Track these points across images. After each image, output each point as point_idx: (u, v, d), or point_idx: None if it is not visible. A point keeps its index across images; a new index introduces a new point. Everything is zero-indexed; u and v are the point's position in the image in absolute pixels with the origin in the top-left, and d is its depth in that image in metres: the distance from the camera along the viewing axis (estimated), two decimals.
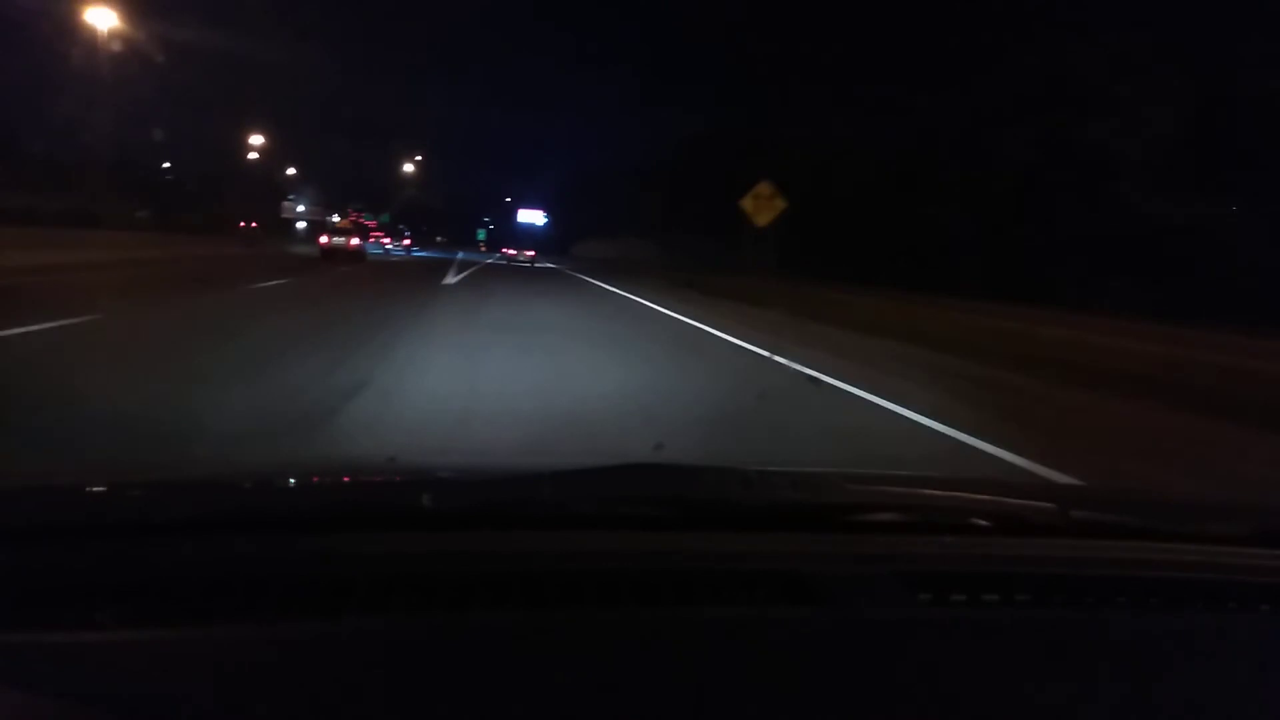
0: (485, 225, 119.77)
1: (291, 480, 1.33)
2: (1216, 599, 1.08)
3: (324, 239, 37.65)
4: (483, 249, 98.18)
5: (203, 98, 48.70)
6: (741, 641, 0.89)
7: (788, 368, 8.68)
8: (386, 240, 68.38)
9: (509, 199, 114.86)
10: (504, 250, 66.30)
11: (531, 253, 58.88)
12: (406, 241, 71.78)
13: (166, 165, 49.32)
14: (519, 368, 7.54)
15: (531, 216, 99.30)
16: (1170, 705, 0.86)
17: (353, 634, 0.85)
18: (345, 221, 43.46)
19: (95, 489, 1.23)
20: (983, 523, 1.20)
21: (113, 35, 27.63)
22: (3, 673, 0.76)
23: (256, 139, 52.67)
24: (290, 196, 69.70)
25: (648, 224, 58.10)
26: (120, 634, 0.84)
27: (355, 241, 36.87)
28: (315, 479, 1.37)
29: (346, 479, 1.41)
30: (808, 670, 0.85)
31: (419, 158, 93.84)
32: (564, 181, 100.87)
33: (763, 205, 20.26)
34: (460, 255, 57.06)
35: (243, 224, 43.53)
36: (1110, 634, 0.97)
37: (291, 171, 68.46)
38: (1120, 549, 1.16)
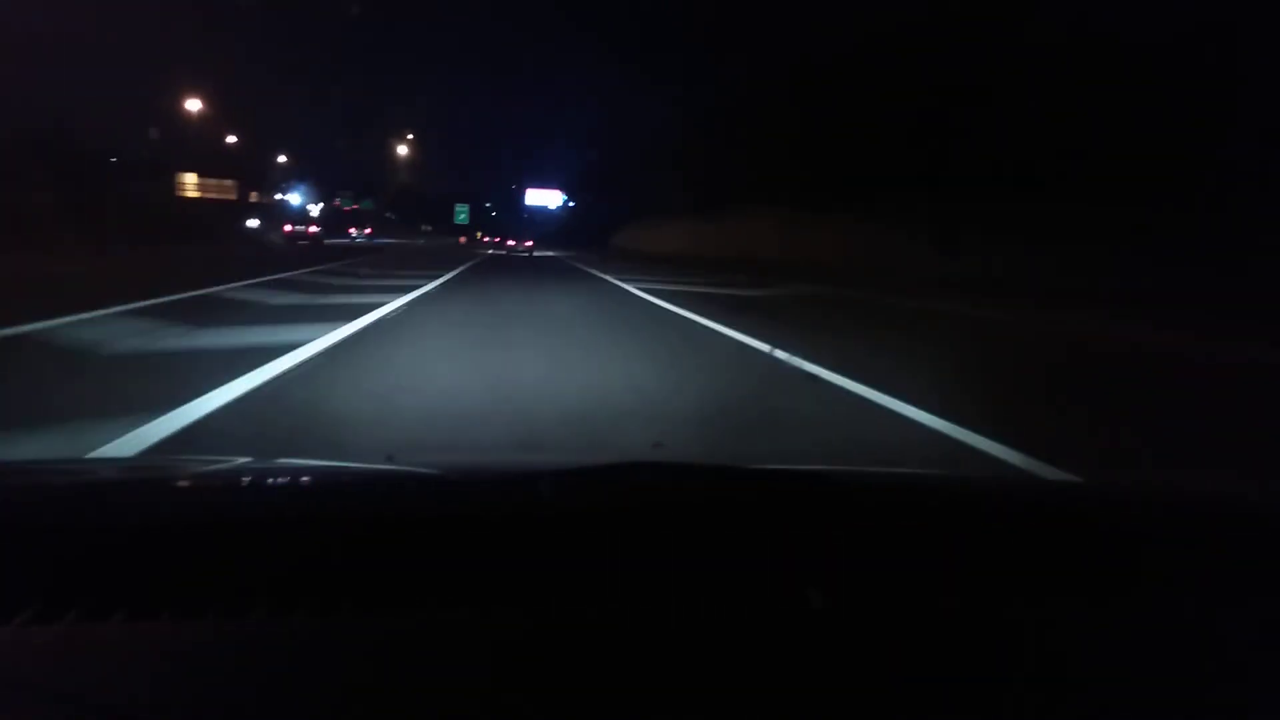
0: (488, 212, 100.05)
1: (288, 479, 1.35)
2: (1215, 595, 1.09)
3: (287, 227, 44.40)
4: (463, 241, 77.69)
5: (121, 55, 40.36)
6: (742, 639, 0.91)
7: None
8: (351, 230, 78.55)
9: (514, 185, 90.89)
10: (484, 238, 62.30)
11: (530, 243, 56.40)
12: (368, 231, 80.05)
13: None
14: None
15: (544, 198, 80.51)
16: (1169, 701, 0.87)
17: (349, 633, 0.88)
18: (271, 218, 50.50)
19: (92, 487, 1.25)
20: (982, 520, 1.24)
21: None
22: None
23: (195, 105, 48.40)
24: (283, 185, 71.28)
25: (778, 193, 30.04)
26: (119, 631, 0.86)
27: (314, 229, 45.28)
28: (313, 478, 1.36)
29: (344, 478, 1.41)
30: (807, 667, 0.87)
31: (410, 136, 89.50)
32: (603, 146, 69.10)
33: None
34: (421, 242, 55.73)
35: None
36: (1108, 630, 0.99)
37: (282, 159, 69.51)
38: (1120, 545, 1.17)
